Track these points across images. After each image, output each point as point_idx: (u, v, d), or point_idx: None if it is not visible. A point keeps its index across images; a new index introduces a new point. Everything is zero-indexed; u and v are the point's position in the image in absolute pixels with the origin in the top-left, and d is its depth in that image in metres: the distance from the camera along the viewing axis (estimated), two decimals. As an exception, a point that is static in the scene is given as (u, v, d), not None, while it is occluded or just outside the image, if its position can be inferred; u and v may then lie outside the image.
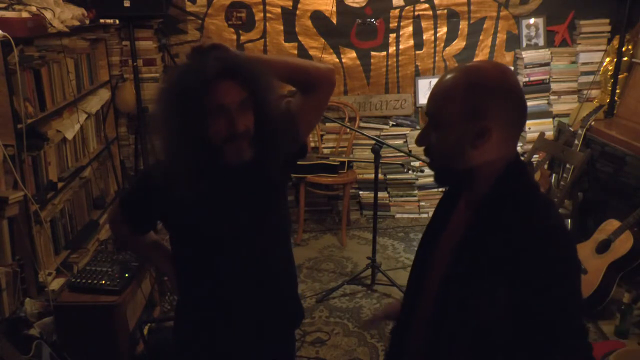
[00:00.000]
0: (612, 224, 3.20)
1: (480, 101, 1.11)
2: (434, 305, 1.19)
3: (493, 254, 1.09)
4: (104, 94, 3.87)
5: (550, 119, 4.42)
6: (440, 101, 1.15)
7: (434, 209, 1.36)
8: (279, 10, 4.35)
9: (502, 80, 1.12)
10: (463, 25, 4.41)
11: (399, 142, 4.45)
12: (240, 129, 1.36)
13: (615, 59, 4.17)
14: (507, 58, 4.48)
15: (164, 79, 1.56)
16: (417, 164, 3.93)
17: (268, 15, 4.36)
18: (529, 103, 4.38)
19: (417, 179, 4.51)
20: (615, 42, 4.18)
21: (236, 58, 1.39)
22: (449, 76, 1.16)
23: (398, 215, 4.57)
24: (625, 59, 4.13)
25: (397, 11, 4.38)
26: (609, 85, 4.20)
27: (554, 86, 4.41)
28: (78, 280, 2.43)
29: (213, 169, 1.42)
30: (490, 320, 1.10)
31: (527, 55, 4.35)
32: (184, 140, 1.37)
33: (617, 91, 4.14)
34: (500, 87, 1.11)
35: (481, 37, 4.44)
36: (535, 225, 1.09)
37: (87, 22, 3.42)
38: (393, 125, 4.51)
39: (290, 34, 4.39)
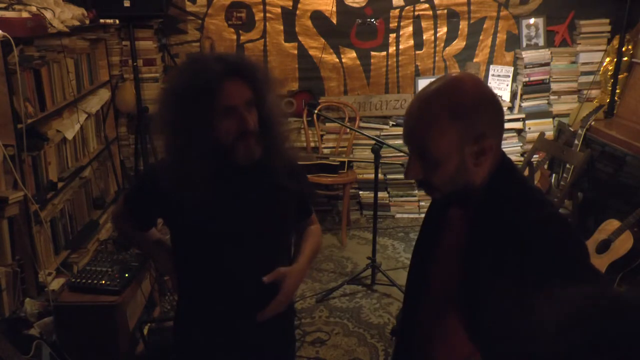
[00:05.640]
0: (612, 224, 3.20)
1: (470, 121, 1.05)
2: (464, 316, 1.14)
3: (502, 255, 1.07)
4: (104, 94, 3.87)
5: (550, 119, 4.41)
6: (426, 135, 1.07)
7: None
8: (279, 10, 4.35)
9: (479, 90, 1.07)
10: (463, 25, 4.41)
11: (399, 142, 4.44)
12: (250, 126, 1.38)
13: (615, 59, 4.17)
14: (507, 58, 4.48)
15: (167, 81, 1.56)
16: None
17: (268, 15, 4.36)
18: (529, 103, 4.45)
19: (417, 179, 4.50)
20: (615, 42, 4.18)
21: (237, 57, 1.42)
22: (424, 104, 1.08)
23: (398, 215, 4.57)
24: (625, 59, 4.13)
25: (397, 11, 4.37)
26: (609, 85, 4.20)
27: (554, 86, 4.41)
28: (78, 280, 2.43)
29: (223, 170, 1.43)
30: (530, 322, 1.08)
31: (527, 55, 4.35)
32: (194, 143, 1.37)
33: (617, 91, 4.14)
34: (481, 98, 1.07)
35: (481, 37, 4.44)
36: (534, 216, 1.07)
37: (87, 22, 3.41)
38: (393, 125, 4.51)
39: (290, 34, 4.39)
